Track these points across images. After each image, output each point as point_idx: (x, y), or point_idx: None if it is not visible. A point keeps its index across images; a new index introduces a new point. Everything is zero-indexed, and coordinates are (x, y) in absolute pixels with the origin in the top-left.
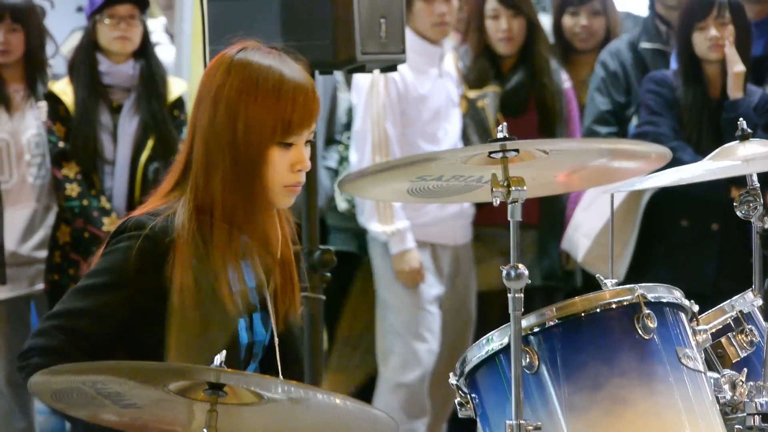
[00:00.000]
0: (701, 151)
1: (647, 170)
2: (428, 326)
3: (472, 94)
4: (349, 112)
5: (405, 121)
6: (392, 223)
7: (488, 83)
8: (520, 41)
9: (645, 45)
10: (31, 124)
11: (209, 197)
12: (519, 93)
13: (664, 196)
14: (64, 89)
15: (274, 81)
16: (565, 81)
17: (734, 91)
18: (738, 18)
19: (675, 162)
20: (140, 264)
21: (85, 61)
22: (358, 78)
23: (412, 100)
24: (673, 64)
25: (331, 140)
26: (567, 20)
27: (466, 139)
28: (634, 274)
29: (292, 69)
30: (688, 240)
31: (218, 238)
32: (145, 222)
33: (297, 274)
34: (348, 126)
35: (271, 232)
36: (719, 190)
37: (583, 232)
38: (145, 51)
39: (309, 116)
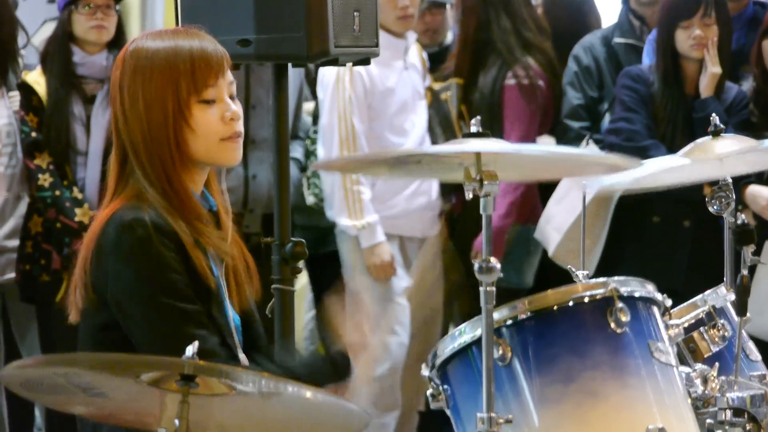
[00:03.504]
0: (675, 148)
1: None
2: (399, 319)
3: (437, 86)
4: (314, 109)
5: (372, 114)
6: (362, 218)
7: (452, 76)
8: None
9: (618, 40)
10: (2, 113)
11: (155, 186)
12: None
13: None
14: (37, 79)
15: (166, 52)
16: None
17: (706, 91)
18: (722, 17)
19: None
20: (167, 252)
21: (58, 52)
22: (324, 73)
23: (378, 94)
24: (645, 59)
25: (295, 136)
26: None
27: (430, 131)
28: (605, 270)
29: (185, 38)
30: (659, 236)
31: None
32: (140, 216)
33: (250, 257)
34: (314, 121)
35: (221, 215)
36: (691, 187)
37: (555, 226)
38: (119, 42)
39: (215, 68)
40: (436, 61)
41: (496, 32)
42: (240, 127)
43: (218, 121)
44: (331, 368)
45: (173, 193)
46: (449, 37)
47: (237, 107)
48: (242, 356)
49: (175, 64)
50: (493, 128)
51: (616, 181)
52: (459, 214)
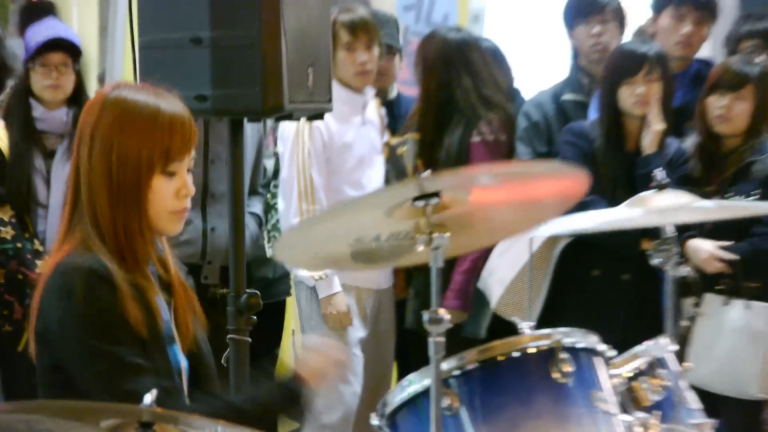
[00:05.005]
0: (616, 204)
1: (566, 205)
2: (353, 369)
3: (394, 141)
4: (275, 164)
5: (330, 168)
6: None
7: (408, 131)
8: None
9: (567, 96)
10: None
11: (102, 235)
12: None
13: (576, 246)
14: None
15: (149, 113)
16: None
17: (649, 147)
18: (665, 74)
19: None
20: (105, 296)
21: (19, 107)
22: (284, 127)
23: (336, 149)
24: (592, 114)
25: (254, 191)
26: None
27: (386, 184)
28: (547, 321)
29: (167, 101)
30: (599, 289)
31: (137, 275)
32: (79, 264)
33: (193, 296)
34: (275, 176)
35: (167, 260)
36: (630, 242)
37: (497, 279)
38: (78, 98)
39: (188, 144)
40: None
41: (458, 92)
42: (189, 202)
43: (173, 195)
44: (284, 396)
45: (125, 243)
46: (395, 90)
47: (191, 182)
48: (185, 399)
49: (154, 128)
50: None
51: (562, 229)
52: (418, 269)
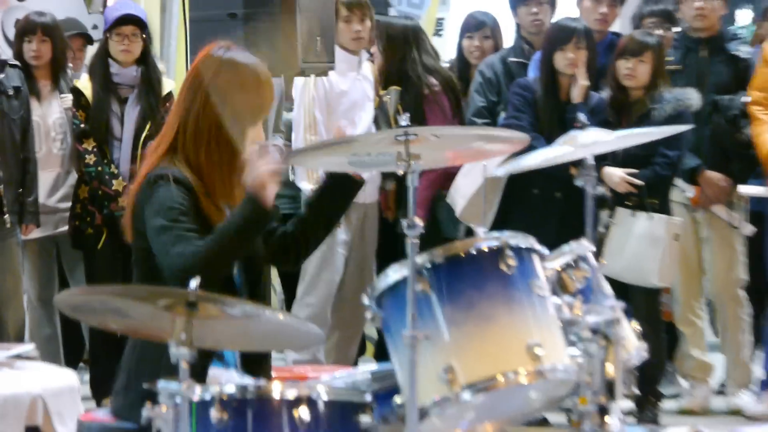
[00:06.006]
0: (551, 140)
1: (511, 151)
2: (335, 262)
3: (382, 92)
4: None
5: (329, 109)
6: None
7: (392, 84)
8: None
9: (512, 59)
10: (55, 110)
11: (196, 168)
12: None
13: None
14: (85, 85)
15: (255, 75)
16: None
17: (577, 98)
18: (589, 43)
19: (531, 149)
20: (181, 195)
21: (100, 65)
22: (297, 79)
23: (335, 94)
24: (531, 73)
25: (276, 129)
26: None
27: (376, 124)
28: (497, 228)
29: (263, 67)
30: (537, 203)
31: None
32: (165, 172)
33: None
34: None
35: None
36: (561, 168)
37: (461, 194)
38: (145, 59)
39: (273, 101)
40: None
41: (409, 63)
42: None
43: (252, 141)
44: (246, 204)
45: (209, 179)
46: None
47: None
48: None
49: (259, 88)
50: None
51: (517, 165)
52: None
